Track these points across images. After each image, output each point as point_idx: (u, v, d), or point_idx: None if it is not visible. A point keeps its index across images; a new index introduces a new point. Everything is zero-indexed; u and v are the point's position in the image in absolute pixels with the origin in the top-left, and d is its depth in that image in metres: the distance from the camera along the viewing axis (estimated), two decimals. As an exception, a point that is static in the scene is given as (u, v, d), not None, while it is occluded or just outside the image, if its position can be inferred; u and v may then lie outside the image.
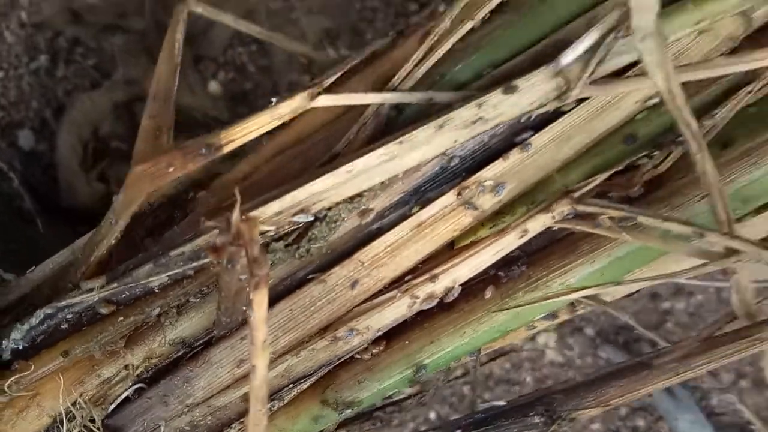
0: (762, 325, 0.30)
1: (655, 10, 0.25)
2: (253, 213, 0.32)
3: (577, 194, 0.31)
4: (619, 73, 0.32)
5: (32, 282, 0.37)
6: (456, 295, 0.32)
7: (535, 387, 0.64)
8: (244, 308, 0.30)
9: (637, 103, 0.32)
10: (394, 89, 0.33)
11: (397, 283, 0.33)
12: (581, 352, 0.63)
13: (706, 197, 0.28)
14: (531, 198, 0.32)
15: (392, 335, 0.33)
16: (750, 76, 0.33)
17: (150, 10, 0.57)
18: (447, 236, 0.33)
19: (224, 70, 0.60)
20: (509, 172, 0.32)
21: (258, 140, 0.35)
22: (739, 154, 0.31)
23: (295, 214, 0.32)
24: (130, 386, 0.35)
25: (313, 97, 0.33)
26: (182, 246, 0.32)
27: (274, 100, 0.33)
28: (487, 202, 0.33)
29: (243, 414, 0.33)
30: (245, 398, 0.31)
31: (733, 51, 0.33)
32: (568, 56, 0.30)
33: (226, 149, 0.32)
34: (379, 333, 0.33)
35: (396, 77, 0.34)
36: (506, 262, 0.33)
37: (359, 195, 0.33)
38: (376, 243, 0.33)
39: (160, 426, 0.35)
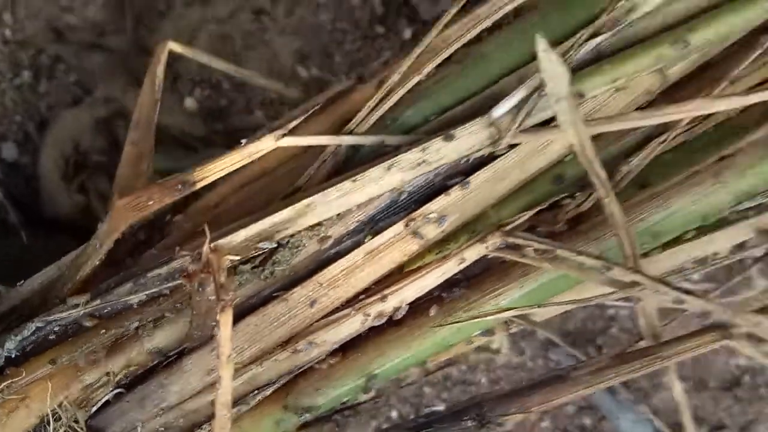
0: (664, 345, 0.35)
1: (566, 80, 0.30)
2: (222, 241, 0.36)
3: (508, 228, 0.36)
4: (546, 122, 0.36)
5: (22, 295, 0.41)
6: (403, 313, 0.37)
7: (489, 388, 0.69)
8: (212, 325, 0.35)
9: (562, 149, 0.37)
10: (351, 132, 0.38)
11: (352, 302, 0.37)
12: (533, 354, 0.68)
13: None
14: (469, 229, 0.37)
15: (347, 348, 0.38)
16: (664, 126, 0.37)
17: (130, 30, 0.61)
18: (396, 261, 0.37)
19: (200, 88, 0.64)
20: (451, 206, 0.37)
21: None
22: (650, 195, 0.36)
23: (260, 242, 0.37)
24: (111, 391, 0.39)
25: (278, 139, 0.37)
26: (159, 268, 0.37)
27: (243, 141, 0.38)
28: (432, 232, 0.37)
29: (212, 417, 0.37)
30: (213, 403, 0.36)
31: (652, 103, 0.38)
32: (499, 110, 0.35)
33: (199, 185, 0.37)
34: (336, 346, 0.38)
35: (354, 119, 0.39)
36: (449, 284, 0.38)
37: (319, 224, 0.37)
38: (333, 266, 0.37)
39: (137, 427, 0.39)
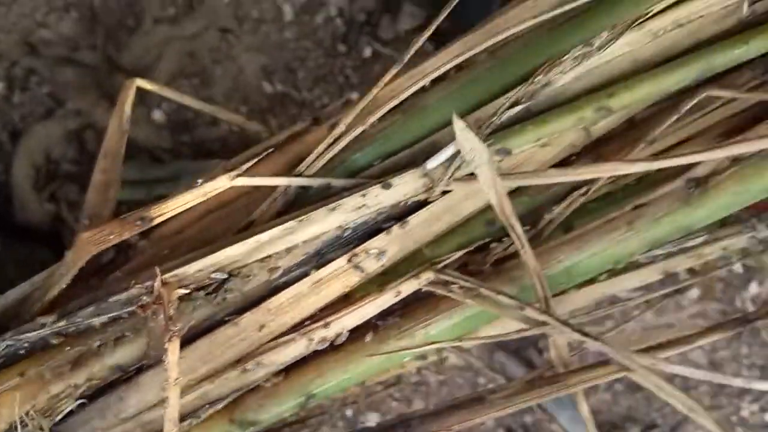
0: (572, 374, 0.39)
1: (484, 152, 0.34)
2: (178, 271, 0.40)
3: (440, 266, 0.40)
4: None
5: (-3, 309, 0.45)
6: (344, 339, 0.41)
7: (438, 388, 0.73)
8: (166, 348, 0.38)
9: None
10: (301, 174, 0.42)
11: (297, 327, 0.42)
12: (478, 356, 0.72)
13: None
14: (406, 265, 0.42)
15: (290, 368, 0.42)
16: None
17: (101, 46, 0.63)
18: (339, 292, 0.42)
19: (168, 101, 0.67)
20: (391, 243, 0.41)
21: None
22: (569, 239, 0.41)
23: (213, 273, 0.41)
24: (75, 401, 0.43)
25: (232, 179, 0.41)
26: (119, 294, 0.41)
27: (200, 180, 0.41)
28: (372, 266, 0.41)
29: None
30: (167, 417, 0.40)
31: (578, 156, 0.42)
32: (432, 162, 0.39)
33: (157, 221, 0.40)
34: (281, 367, 0.42)
35: (305, 161, 0.42)
36: (386, 313, 0.42)
37: (268, 257, 0.41)
38: (281, 295, 0.42)
39: (98, 434, 0.43)
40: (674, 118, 0.39)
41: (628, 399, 0.75)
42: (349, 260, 0.41)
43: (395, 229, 0.41)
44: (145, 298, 0.38)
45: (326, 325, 0.42)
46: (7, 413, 0.43)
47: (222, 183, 0.42)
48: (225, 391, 0.42)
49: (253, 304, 0.42)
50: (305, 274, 0.42)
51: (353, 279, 0.42)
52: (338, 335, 0.42)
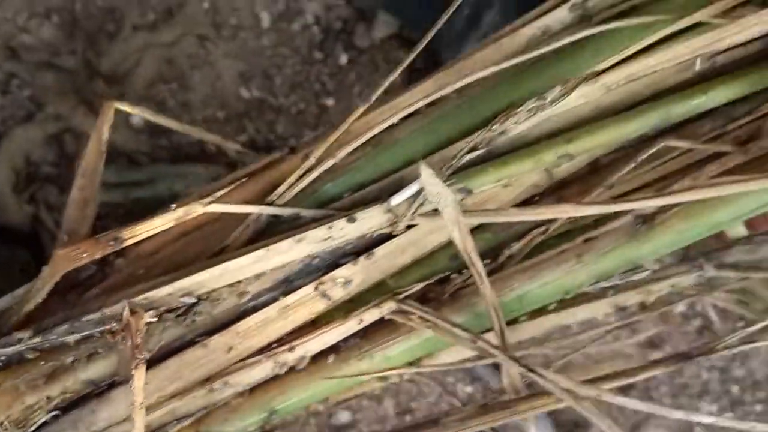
0: (522, 400, 0.42)
1: (448, 197, 0.36)
2: (149, 294, 0.42)
3: (401, 296, 0.42)
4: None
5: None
6: (306, 362, 0.43)
7: (409, 387, 0.75)
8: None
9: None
10: (272, 203, 0.43)
11: (264, 350, 0.44)
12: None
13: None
14: (370, 294, 0.44)
15: (255, 386, 0.44)
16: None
17: (81, 51, 0.64)
18: (305, 317, 0.44)
19: (146, 105, 0.68)
20: (357, 273, 0.44)
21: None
22: (522, 268, 0.43)
23: (182, 296, 0.42)
24: (49, 413, 0.45)
25: (205, 206, 0.43)
26: (92, 314, 0.43)
27: (173, 205, 0.43)
28: (338, 294, 0.44)
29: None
30: None
31: (542, 196, 0.44)
32: (396, 199, 0.41)
33: (129, 243, 0.42)
34: (248, 387, 0.44)
35: (277, 191, 0.44)
36: (348, 335, 0.44)
37: (238, 282, 0.43)
38: (249, 318, 0.44)
39: (70, 445, 0.45)
40: (632, 165, 0.41)
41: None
42: (316, 288, 0.44)
43: (362, 259, 0.43)
44: (114, 324, 0.40)
45: (291, 349, 0.44)
46: (-18, 422, 0.45)
47: (195, 209, 0.44)
48: (192, 409, 0.45)
49: (222, 327, 0.44)
50: (274, 300, 0.44)
51: (320, 306, 0.44)
52: (301, 359, 0.44)
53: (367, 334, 0.44)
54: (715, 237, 0.44)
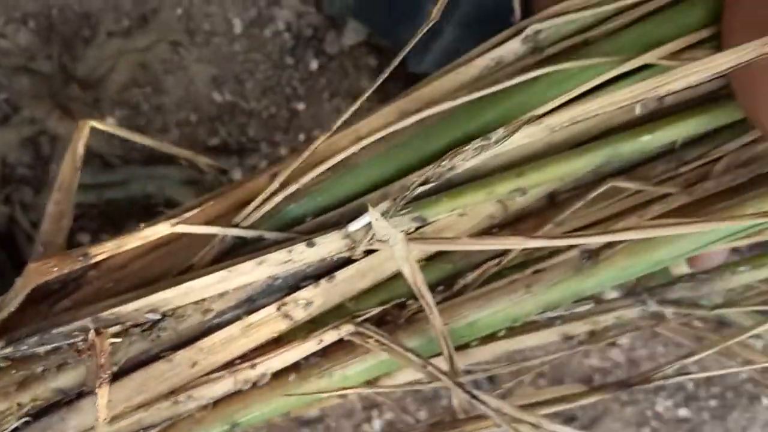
0: (470, 420, 0.44)
1: (397, 236, 0.38)
2: (115, 309, 0.44)
3: (359, 319, 0.45)
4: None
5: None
6: (268, 379, 0.46)
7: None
8: (103, 383, 0.43)
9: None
10: (237, 225, 0.45)
11: (227, 366, 0.46)
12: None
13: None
14: (330, 316, 0.47)
15: (218, 399, 0.46)
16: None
17: (57, 56, 0.65)
18: (268, 336, 0.47)
19: (119, 108, 0.69)
20: (318, 295, 0.46)
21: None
22: (473, 297, 0.45)
23: (147, 312, 0.44)
24: (19, 419, 0.47)
25: (173, 226, 0.44)
26: (61, 327, 0.45)
27: (142, 225, 0.45)
28: (299, 315, 0.46)
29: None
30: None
31: (500, 227, 0.46)
32: (354, 226, 0.43)
33: (98, 259, 0.44)
34: (211, 400, 0.46)
35: (243, 212, 0.46)
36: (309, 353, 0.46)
37: (202, 300, 0.45)
38: (213, 336, 0.46)
39: (40, 450, 0.47)
40: (581, 203, 0.43)
41: (552, 392, 0.81)
42: (279, 309, 0.46)
43: (323, 282, 0.46)
44: (81, 342, 0.42)
45: (253, 366, 0.46)
46: (-46, 427, 0.47)
47: (162, 229, 0.45)
48: (158, 420, 0.47)
49: (187, 342, 0.47)
50: (237, 318, 0.47)
51: (282, 326, 0.46)
52: (263, 376, 0.46)
53: (326, 353, 0.47)
54: (662, 273, 0.46)
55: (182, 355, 0.47)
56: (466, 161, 0.42)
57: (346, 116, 0.46)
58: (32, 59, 0.67)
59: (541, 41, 0.46)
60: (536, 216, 0.46)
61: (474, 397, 0.40)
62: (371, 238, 0.44)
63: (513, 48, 0.46)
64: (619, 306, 0.47)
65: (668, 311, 0.45)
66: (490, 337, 0.47)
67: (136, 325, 0.46)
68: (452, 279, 0.46)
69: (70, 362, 0.48)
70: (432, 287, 0.47)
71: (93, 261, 0.46)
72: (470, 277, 0.45)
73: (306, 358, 0.47)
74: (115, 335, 0.46)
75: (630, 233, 0.41)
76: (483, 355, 0.47)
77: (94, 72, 0.65)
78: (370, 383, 0.47)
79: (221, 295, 0.46)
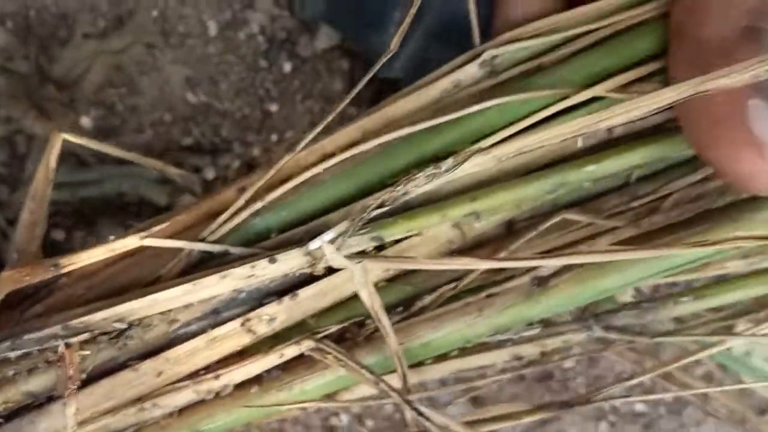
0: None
1: (352, 267, 0.40)
2: (84, 318, 0.46)
3: (319, 336, 0.47)
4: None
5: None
6: (230, 390, 0.48)
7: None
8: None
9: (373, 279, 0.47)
10: (204, 239, 0.47)
11: (192, 376, 0.49)
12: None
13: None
14: (292, 332, 0.50)
15: (183, 408, 0.49)
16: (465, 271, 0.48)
17: (34, 57, 0.67)
18: (231, 349, 0.50)
19: (95, 108, 0.71)
20: (281, 311, 0.49)
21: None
22: (428, 318, 0.48)
23: (115, 322, 0.47)
24: (-9, 420, 0.49)
25: (141, 239, 0.46)
26: (32, 333, 0.47)
27: (112, 237, 0.47)
28: (263, 330, 0.49)
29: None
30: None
31: (460, 253, 0.48)
32: (314, 244, 0.45)
33: (67, 269, 0.46)
34: (176, 409, 0.48)
35: (210, 226, 0.49)
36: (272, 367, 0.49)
37: (169, 311, 0.47)
38: (178, 347, 0.49)
39: (11, 451, 0.49)
40: (534, 233, 0.46)
41: (514, 387, 0.84)
42: (243, 324, 0.48)
43: (286, 299, 0.48)
44: (50, 355, 0.44)
45: (217, 377, 0.49)
46: (-75, 428, 0.49)
47: (131, 242, 0.48)
48: (124, 426, 0.50)
49: (153, 352, 0.49)
50: (203, 330, 0.49)
51: (245, 339, 0.49)
52: (225, 387, 0.48)
53: (287, 367, 0.49)
54: (609, 301, 0.49)
55: (148, 365, 0.49)
56: (418, 187, 0.44)
57: (314, 134, 0.48)
58: (9, 59, 0.68)
59: (497, 66, 0.48)
60: (494, 243, 0.48)
61: (420, 414, 0.42)
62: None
63: (471, 72, 0.49)
64: (566, 330, 0.50)
65: (612, 336, 0.48)
66: (443, 357, 0.49)
67: (104, 333, 0.49)
68: (411, 300, 0.48)
69: (41, 367, 0.50)
70: (392, 308, 0.49)
71: (64, 271, 0.48)
72: (428, 299, 0.48)
73: (268, 371, 0.50)
74: (84, 342, 0.48)
75: (578, 257, 0.43)
76: (435, 373, 0.49)
77: (71, 73, 0.67)
78: (329, 396, 0.50)
79: (187, 306, 0.48)
